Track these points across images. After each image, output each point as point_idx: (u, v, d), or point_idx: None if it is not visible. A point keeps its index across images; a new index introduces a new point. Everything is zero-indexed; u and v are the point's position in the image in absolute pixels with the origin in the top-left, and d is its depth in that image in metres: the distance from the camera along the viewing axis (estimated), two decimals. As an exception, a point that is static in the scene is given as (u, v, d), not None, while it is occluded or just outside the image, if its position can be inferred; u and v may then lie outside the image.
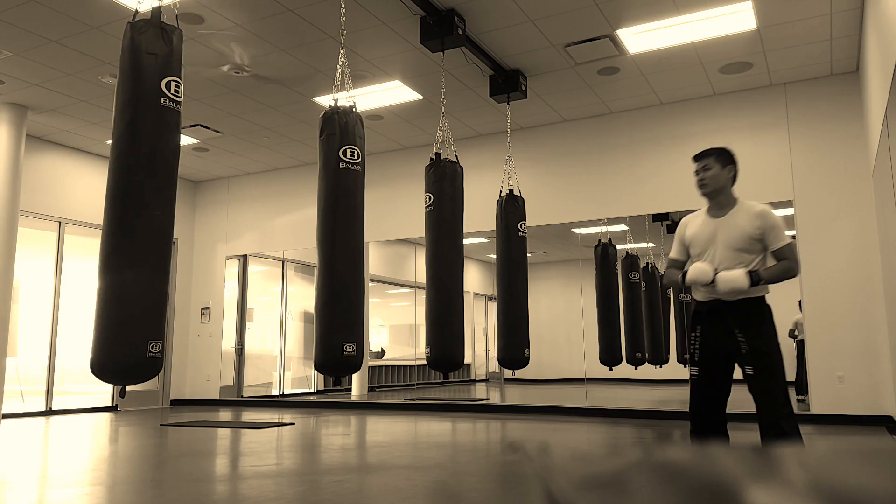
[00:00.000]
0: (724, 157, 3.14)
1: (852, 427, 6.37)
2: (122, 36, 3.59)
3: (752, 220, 3.04)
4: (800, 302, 7.11)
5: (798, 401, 7.30)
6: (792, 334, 7.51)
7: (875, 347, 6.55)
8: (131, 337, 3.28)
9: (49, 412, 8.61)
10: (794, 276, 3.04)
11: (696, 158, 3.19)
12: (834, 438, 5.63)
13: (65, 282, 8.95)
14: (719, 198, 3.13)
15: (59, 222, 8.99)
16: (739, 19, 5.87)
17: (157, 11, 3.57)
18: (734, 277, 2.94)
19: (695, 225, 3.20)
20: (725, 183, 3.12)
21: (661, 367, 8.49)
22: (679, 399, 8.34)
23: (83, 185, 9.26)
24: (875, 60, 5.25)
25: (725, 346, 3.02)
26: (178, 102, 3.60)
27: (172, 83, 3.55)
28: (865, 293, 6.65)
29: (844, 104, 6.95)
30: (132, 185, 3.42)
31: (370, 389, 10.74)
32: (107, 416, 8.55)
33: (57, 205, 8.92)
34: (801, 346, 7.35)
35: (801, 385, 7.26)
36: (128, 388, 9.49)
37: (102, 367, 3.28)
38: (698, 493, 0.46)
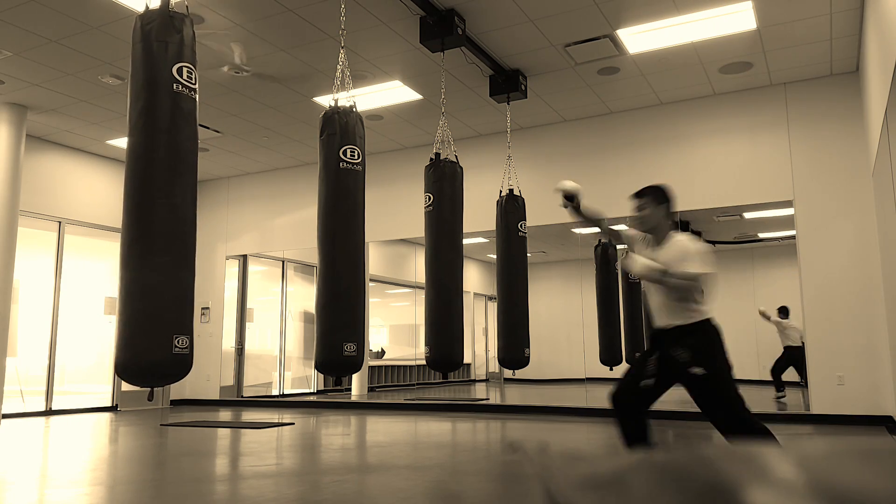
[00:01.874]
0: (658, 196, 3.32)
1: (852, 427, 6.37)
2: (132, 30, 3.52)
3: (672, 248, 3.21)
4: (780, 310, 7.31)
5: (776, 399, 7.67)
6: (765, 315, 7.70)
7: (875, 347, 6.54)
8: (155, 332, 3.12)
9: (49, 412, 8.61)
10: (677, 289, 3.10)
11: (634, 196, 3.38)
12: (833, 438, 5.63)
13: (65, 282, 8.95)
14: (656, 233, 3.31)
15: (59, 222, 8.99)
16: (739, 19, 5.87)
17: (165, 2, 3.54)
18: (637, 260, 3.16)
19: (640, 245, 3.39)
20: (660, 220, 3.29)
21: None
22: (678, 399, 8.32)
23: (83, 185, 9.26)
24: (875, 60, 5.25)
25: (670, 369, 3.16)
26: (193, 89, 3.50)
27: (185, 69, 3.47)
28: (865, 293, 6.64)
29: (844, 104, 6.95)
30: (149, 174, 3.31)
31: (370, 389, 10.73)
32: (107, 416, 8.54)
33: (57, 205, 8.93)
34: (792, 352, 7.49)
35: (780, 384, 7.65)
36: (126, 389, 9.48)
37: (126, 366, 3.12)
38: (699, 495, 0.46)
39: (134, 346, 3.15)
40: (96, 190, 9.38)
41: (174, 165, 3.37)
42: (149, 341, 3.14)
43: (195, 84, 3.54)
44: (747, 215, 7.63)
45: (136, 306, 3.17)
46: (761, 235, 8.00)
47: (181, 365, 3.19)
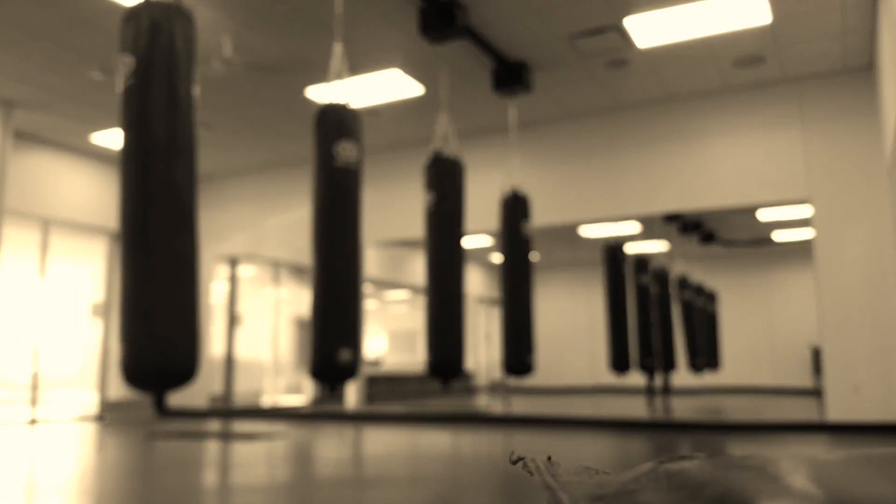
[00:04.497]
0: None
1: (869, 435, 6.25)
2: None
3: None
4: None
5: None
6: None
7: (892, 353, 6.41)
8: None
9: (34, 421, 8.44)
10: None
11: None
12: (849, 447, 5.47)
13: (50, 285, 8.75)
14: None
15: (45, 222, 8.81)
16: (753, 11, 5.75)
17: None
18: None
19: None
20: None
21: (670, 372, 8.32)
22: (689, 407, 8.15)
23: (70, 185, 9.08)
24: (889, 55, 5.17)
25: None
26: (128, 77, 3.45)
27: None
28: (882, 296, 6.51)
29: (860, 100, 6.84)
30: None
31: (367, 399, 10.56)
32: (92, 425, 8.37)
33: (42, 203, 8.73)
34: None
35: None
36: (112, 398, 9.35)
37: None
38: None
39: None
40: (84, 189, 9.22)
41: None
42: None
43: (123, 73, 3.49)
44: (762, 215, 7.47)
45: None
46: (776, 237, 7.84)
47: None
